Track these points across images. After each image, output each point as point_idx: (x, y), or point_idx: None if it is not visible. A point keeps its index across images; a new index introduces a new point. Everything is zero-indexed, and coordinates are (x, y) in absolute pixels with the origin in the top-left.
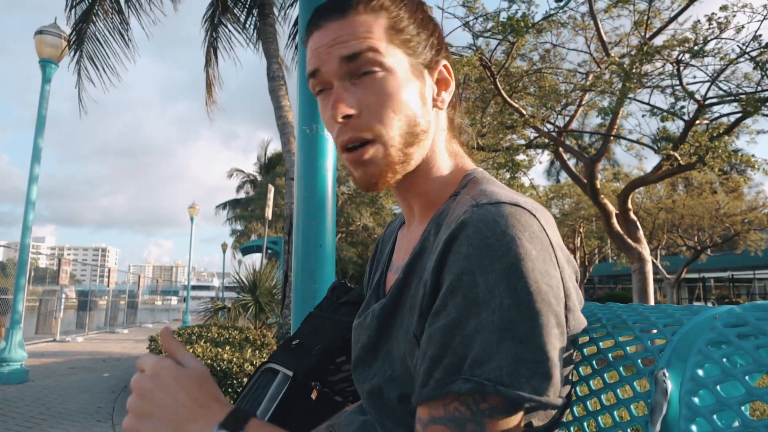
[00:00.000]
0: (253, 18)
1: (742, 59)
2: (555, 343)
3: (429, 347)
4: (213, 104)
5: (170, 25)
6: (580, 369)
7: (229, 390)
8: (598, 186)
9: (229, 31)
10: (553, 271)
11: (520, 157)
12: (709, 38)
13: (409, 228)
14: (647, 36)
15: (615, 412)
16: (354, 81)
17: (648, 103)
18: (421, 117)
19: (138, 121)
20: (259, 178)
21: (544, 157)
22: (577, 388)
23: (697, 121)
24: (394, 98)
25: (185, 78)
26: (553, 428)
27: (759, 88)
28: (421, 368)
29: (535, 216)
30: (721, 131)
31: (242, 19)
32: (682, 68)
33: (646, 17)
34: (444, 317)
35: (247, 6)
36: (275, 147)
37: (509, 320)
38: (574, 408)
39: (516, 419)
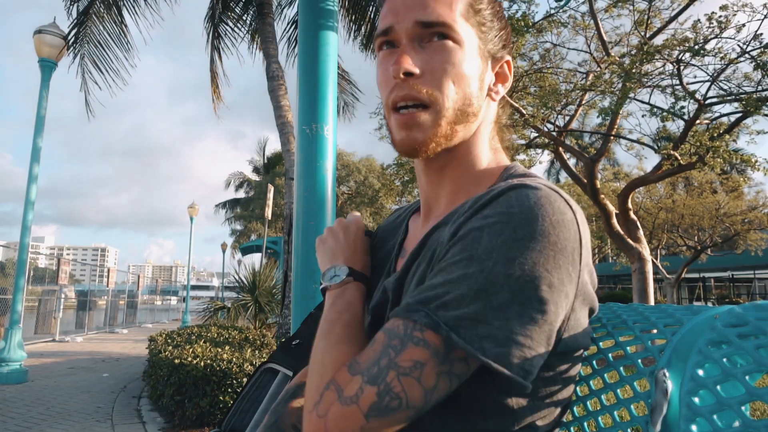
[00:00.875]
0: (248, 17)
1: (742, 59)
2: (528, 330)
3: (426, 281)
4: (219, 102)
5: (178, 25)
6: (581, 369)
7: (229, 390)
8: (598, 186)
9: (231, 29)
10: (565, 265)
11: (520, 156)
12: (709, 38)
13: (426, 218)
14: (647, 35)
15: (615, 412)
16: (423, 44)
17: (648, 103)
18: (476, 98)
19: (145, 121)
20: (257, 178)
21: (544, 157)
22: (578, 388)
23: (698, 121)
24: (457, 69)
25: (192, 78)
26: (554, 429)
27: (759, 88)
28: (406, 295)
29: (570, 207)
30: (721, 131)
31: (245, 18)
32: (682, 68)
33: (646, 17)
34: (441, 261)
35: (243, 3)
36: (275, 147)
37: (491, 284)
38: (575, 408)
39: (443, 365)
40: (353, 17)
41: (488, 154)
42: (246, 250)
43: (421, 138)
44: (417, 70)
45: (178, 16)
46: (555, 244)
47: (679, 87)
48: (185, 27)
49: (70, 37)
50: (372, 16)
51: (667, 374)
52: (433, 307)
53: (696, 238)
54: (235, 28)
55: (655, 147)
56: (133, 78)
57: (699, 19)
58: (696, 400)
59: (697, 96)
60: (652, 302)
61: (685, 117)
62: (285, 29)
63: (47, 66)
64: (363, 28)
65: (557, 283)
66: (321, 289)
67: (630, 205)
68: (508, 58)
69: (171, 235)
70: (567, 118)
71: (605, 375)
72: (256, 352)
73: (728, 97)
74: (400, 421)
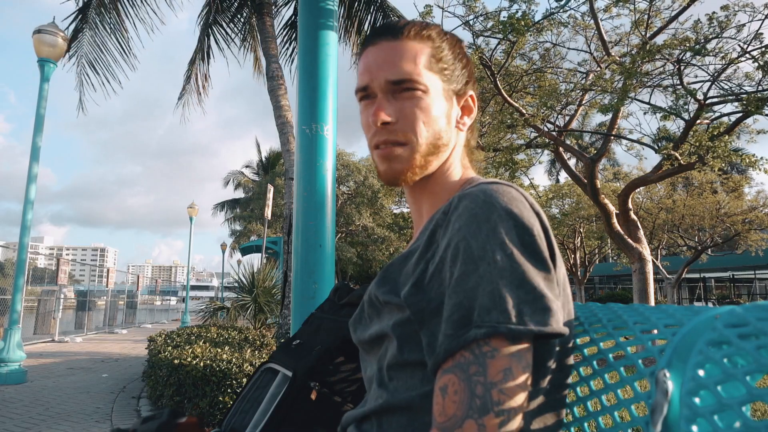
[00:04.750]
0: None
1: (743, 58)
2: (545, 283)
3: (444, 313)
4: (202, 100)
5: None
6: (581, 369)
7: (228, 390)
8: (599, 186)
9: (225, 33)
10: (534, 222)
11: (520, 156)
12: (710, 37)
13: (415, 233)
14: (648, 35)
15: (615, 413)
16: (396, 95)
17: (649, 103)
18: (445, 133)
19: (178, 122)
20: (255, 179)
21: (544, 157)
22: (578, 389)
23: (698, 121)
24: (425, 113)
25: (233, 80)
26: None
27: (760, 88)
28: (439, 333)
29: (512, 187)
30: (721, 131)
31: (239, 18)
32: (683, 67)
33: (646, 16)
34: (449, 283)
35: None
36: (274, 146)
37: (504, 269)
38: (575, 408)
39: (520, 362)
40: (351, 17)
41: (459, 172)
42: (246, 251)
43: (399, 168)
44: (391, 119)
45: (178, 18)
46: (520, 215)
47: (679, 86)
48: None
49: (69, 35)
50: (372, 15)
51: (667, 374)
52: (476, 319)
53: (696, 238)
54: (228, 29)
55: (656, 147)
56: (173, 78)
57: (699, 19)
58: (696, 400)
59: (698, 96)
60: (652, 302)
61: (686, 117)
62: (282, 28)
63: (47, 66)
64: (361, 31)
65: (539, 240)
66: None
67: (630, 205)
68: (471, 92)
69: (181, 236)
70: (567, 118)
71: (606, 375)
72: (256, 352)
73: (729, 97)
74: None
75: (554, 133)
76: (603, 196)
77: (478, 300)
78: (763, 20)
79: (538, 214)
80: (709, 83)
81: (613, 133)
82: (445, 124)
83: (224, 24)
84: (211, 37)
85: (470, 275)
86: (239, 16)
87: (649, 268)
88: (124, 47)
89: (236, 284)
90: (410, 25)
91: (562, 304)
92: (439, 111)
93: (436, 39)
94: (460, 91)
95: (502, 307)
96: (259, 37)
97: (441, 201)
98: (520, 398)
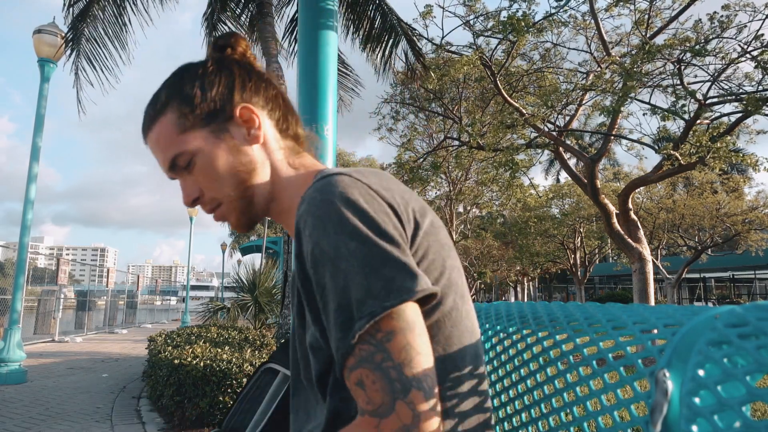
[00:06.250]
0: (249, 13)
1: (743, 58)
2: (401, 254)
3: (328, 324)
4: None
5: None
6: (581, 369)
7: (228, 390)
8: (599, 186)
9: (228, 28)
10: (374, 203)
11: (520, 156)
12: (710, 37)
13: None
14: (648, 35)
15: (615, 413)
16: (182, 174)
17: (649, 103)
18: (240, 165)
19: None
20: None
21: (544, 157)
22: (578, 389)
23: (698, 121)
24: (213, 172)
25: None
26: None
27: (760, 88)
28: (332, 341)
29: (343, 174)
30: (721, 131)
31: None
32: (683, 67)
33: (647, 16)
34: (322, 292)
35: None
36: None
37: (363, 257)
38: (575, 408)
39: (414, 330)
40: (351, 17)
41: (294, 176)
42: (246, 250)
43: (235, 219)
44: (197, 194)
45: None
46: (357, 200)
47: (679, 86)
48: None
49: (67, 34)
50: (371, 14)
51: (667, 374)
52: (356, 315)
53: (696, 238)
54: (233, 29)
55: (656, 147)
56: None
57: (700, 19)
58: (696, 400)
59: (698, 96)
60: (652, 302)
61: (686, 117)
62: (288, 23)
63: (47, 66)
64: (361, 31)
65: (384, 214)
66: None
67: (630, 205)
68: (243, 104)
69: (184, 236)
70: (567, 118)
71: (605, 375)
72: (256, 352)
73: (729, 97)
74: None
75: (554, 133)
76: (603, 196)
77: (352, 296)
78: (764, 20)
79: (377, 192)
80: (709, 83)
81: (613, 133)
82: (234, 160)
83: (230, 24)
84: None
85: (336, 276)
86: (243, 16)
87: (649, 268)
88: (123, 40)
89: (236, 284)
90: (147, 115)
91: (434, 279)
92: (221, 157)
93: (171, 100)
94: (227, 117)
95: (374, 293)
96: (258, 37)
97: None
98: (428, 361)
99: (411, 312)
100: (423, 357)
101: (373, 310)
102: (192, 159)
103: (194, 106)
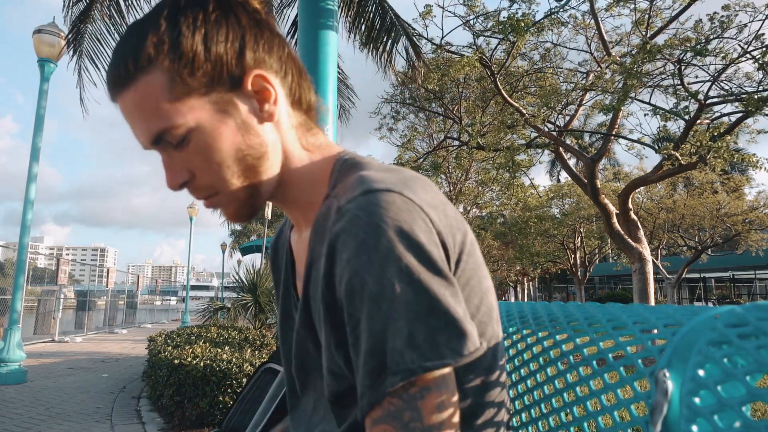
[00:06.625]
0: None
1: (743, 58)
2: (453, 301)
3: (356, 361)
4: None
5: None
6: (581, 369)
7: (228, 390)
8: (599, 186)
9: None
10: (428, 233)
11: (521, 156)
12: (711, 37)
13: (300, 233)
14: (648, 35)
15: (615, 413)
16: (170, 151)
17: (649, 103)
18: (249, 148)
19: None
20: None
21: (544, 157)
22: (578, 389)
23: (698, 121)
24: (214, 154)
25: None
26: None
27: (760, 88)
28: (358, 383)
29: (393, 191)
30: (722, 131)
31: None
32: (683, 67)
33: (647, 16)
34: (354, 327)
35: None
36: None
37: (409, 302)
38: (575, 408)
39: (448, 390)
40: (350, 14)
41: (308, 159)
42: (246, 251)
43: (233, 210)
44: (186, 177)
45: None
46: (410, 232)
47: (680, 87)
48: None
49: (69, 35)
50: (371, 14)
51: (667, 374)
52: (391, 365)
53: (697, 238)
54: None
55: (656, 147)
56: None
57: (700, 19)
58: (696, 400)
59: (698, 96)
60: (652, 302)
61: (686, 117)
62: (291, 26)
63: (47, 66)
64: (362, 26)
65: (438, 253)
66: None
67: (630, 205)
68: (257, 71)
69: (185, 235)
70: (567, 118)
71: (605, 375)
72: (256, 352)
73: (729, 97)
74: None
75: (554, 133)
76: (603, 196)
77: (389, 343)
78: (764, 20)
79: (428, 216)
80: (709, 83)
81: (614, 133)
82: (242, 140)
83: None
84: None
85: (374, 316)
86: None
87: (649, 268)
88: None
89: (236, 284)
90: (122, 67)
91: (475, 306)
92: (226, 136)
93: (160, 55)
94: (237, 83)
95: (414, 344)
96: None
97: (312, 202)
98: (455, 420)
99: (447, 370)
100: (451, 416)
101: (412, 368)
102: (187, 135)
103: (193, 66)
